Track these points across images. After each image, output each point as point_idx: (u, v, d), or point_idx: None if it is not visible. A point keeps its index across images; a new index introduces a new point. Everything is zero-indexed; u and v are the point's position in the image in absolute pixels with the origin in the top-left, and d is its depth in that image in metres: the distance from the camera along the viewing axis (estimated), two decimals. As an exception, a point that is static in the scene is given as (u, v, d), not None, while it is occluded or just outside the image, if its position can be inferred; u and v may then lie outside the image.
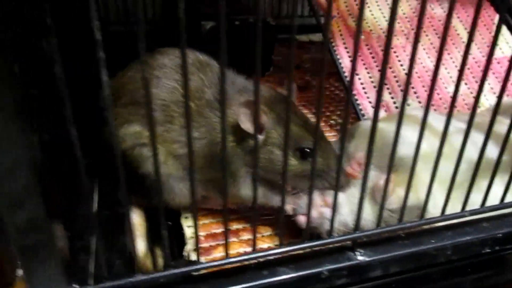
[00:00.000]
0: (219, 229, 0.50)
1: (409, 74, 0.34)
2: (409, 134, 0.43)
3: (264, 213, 0.49)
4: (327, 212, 0.42)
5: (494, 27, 0.77)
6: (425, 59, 0.72)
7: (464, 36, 0.75)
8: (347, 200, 0.46)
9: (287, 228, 0.50)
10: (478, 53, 0.74)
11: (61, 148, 0.44)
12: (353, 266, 0.38)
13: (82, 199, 0.49)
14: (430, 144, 0.44)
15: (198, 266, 0.34)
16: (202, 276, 0.37)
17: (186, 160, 0.46)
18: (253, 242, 0.36)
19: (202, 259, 0.46)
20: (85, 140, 0.30)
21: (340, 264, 0.38)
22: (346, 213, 0.44)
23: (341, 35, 0.72)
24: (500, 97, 0.39)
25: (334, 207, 0.37)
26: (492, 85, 0.71)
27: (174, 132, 0.46)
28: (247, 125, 0.42)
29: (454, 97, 0.37)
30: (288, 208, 0.46)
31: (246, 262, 0.37)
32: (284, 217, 0.46)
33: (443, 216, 0.40)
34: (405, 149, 0.46)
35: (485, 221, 0.43)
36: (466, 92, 0.70)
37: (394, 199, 0.44)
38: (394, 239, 0.41)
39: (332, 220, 0.37)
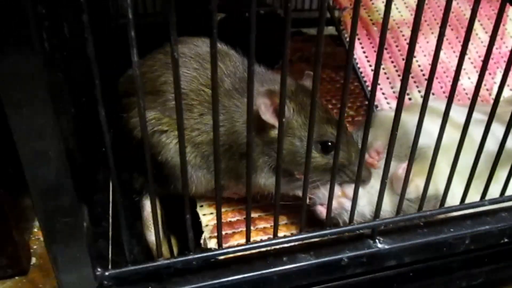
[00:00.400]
0: (235, 218, 0.50)
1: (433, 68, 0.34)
2: (426, 124, 0.43)
3: (281, 202, 0.49)
4: (346, 202, 0.42)
5: (508, 20, 0.77)
6: (439, 51, 0.72)
7: (478, 28, 0.75)
8: (365, 191, 0.45)
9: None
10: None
11: (85, 134, 0.45)
12: (372, 254, 0.38)
13: (100, 187, 0.50)
14: (448, 134, 0.44)
15: (221, 251, 0.35)
16: (223, 262, 0.37)
17: (205, 148, 0.47)
18: (275, 229, 0.36)
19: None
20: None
21: (360, 252, 0.38)
22: (363, 204, 0.43)
23: (354, 26, 0.72)
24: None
25: (355, 197, 0.37)
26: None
27: (193, 120, 0.46)
28: (267, 116, 0.42)
29: (477, 89, 0.37)
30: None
31: (267, 248, 0.38)
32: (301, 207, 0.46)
33: (462, 205, 0.40)
34: (423, 139, 0.46)
35: (504, 211, 0.43)
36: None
37: (413, 188, 0.44)
38: (412, 228, 0.41)
39: (352, 209, 0.37)
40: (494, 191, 0.43)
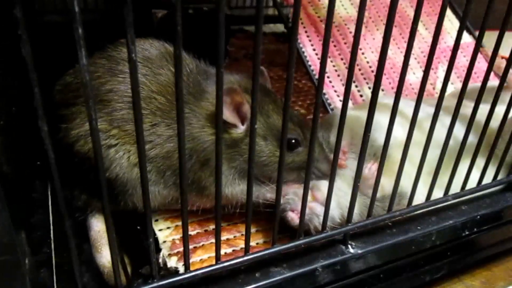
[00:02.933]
0: (195, 231, 0.46)
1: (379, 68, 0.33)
2: (387, 121, 0.42)
3: (243, 211, 0.46)
4: (317, 207, 0.40)
5: (445, 18, 0.80)
6: (384, 47, 0.73)
7: (419, 26, 0.77)
8: (333, 193, 0.44)
9: (268, 225, 0.47)
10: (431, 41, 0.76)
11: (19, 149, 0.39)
12: (345, 260, 0.37)
13: (38, 206, 0.44)
14: (406, 131, 0.44)
15: (189, 275, 0.31)
16: (188, 284, 0.34)
17: (160, 162, 0.42)
18: (246, 244, 0.33)
19: (180, 264, 0.43)
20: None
21: (334, 259, 0.37)
22: (332, 207, 0.42)
23: (302, 23, 0.71)
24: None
25: (329, 200, 0.35)
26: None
27: (145, 132, 0.42)
28: (227, 115, 0.39)
29: (422, 84, 0.36)
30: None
31: (237, 266, 0.35)
32: (268, 214, 0.44)
33: (428, 201, 0.40)
34: (383, 136, 0.46)
35: (463, 204, 0.44)
36: (424, 79, 0.72)
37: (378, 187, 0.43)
38: (382, 229, 0.40)
39: (326, 213, 0.36)
40: (447, 185, 0.43)
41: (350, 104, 0.64)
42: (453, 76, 0.73)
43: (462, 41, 0.77)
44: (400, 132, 0.49)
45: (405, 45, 0.76)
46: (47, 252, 0.40)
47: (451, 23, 0.78)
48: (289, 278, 0.35)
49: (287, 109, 0.30)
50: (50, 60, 0.48)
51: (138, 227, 0.48)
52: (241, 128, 0.41)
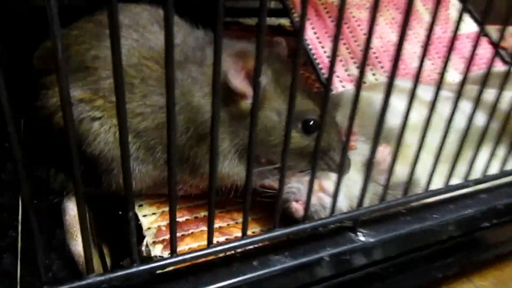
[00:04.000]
0: (184, 217, 0.41)
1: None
2: (398, 104, 0.38)
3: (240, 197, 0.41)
4: (325, 198, 0.36)
5: (450, 5, 0.77)
6: (389, 33, 0.69)
7: (424, 12, 0.73)
8: (343, 184, 0.39)
9: (265, 213, 0.43)
10: (438, 29, 0.73)
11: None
12: (356, 249, 0.32)
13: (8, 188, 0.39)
14: (419, 114, 0.40)
15: (174, 259, 0.26)
16: (175, 273, 0.29)
17: (150, 136, 0.37)
18: (244, 226, 0.28)
19: (166, 253, 0.38)
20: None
21: (342, 247, 0.32)
22: (340, 199, 0.37)
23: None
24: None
25: (338, 187, 0.31)
26: (454, 61, 0.69)
27: (134, 103, 0.37)
28: (237, 82, 0.33)
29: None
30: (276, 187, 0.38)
31: (231, 252, 0.30)
32: (265, 203, 0.39)
33: (448, 187, 0.36)
34: (394, 119, 0.41)
35: (483, 192, 0.40)
36: (430, 68, 0.68)
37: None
38: (395, 217, 0.36)
39: (334, 197, 0.31)
40: (464, 171, 0.39)
41: (349, 88, 0.59)
42: (462, 66, 0.69)
43: (470, 31, 0.74)
44: (413, 114, 0.45)
45: (410, 32, 0.72)
46: (13, 236, 0.35)
47: (458, 12, 0.75)
48: (291, 267, 0.30)
49: (295, 82, 0.25)
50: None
51: (120, 212, 0.43)
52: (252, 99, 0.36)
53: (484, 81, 0.35)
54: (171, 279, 0.29)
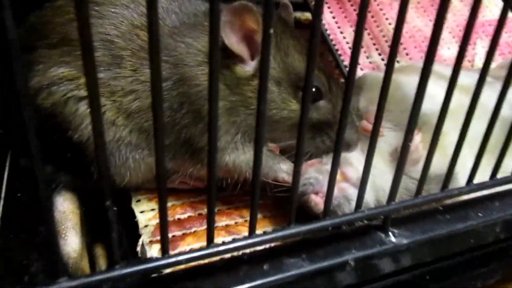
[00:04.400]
0: (186, 214, 0.36)
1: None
2: (430, 87, 0.33)
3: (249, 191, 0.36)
4: (349, 189, 0.31)
5: (481, -10, 0.71)
6: (414, 18, 0.63)
7: (453, -2, 0.68)
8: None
9: (277, 211, 0.38)
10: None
11: None
12: (386, 252, 0.27)
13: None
14: (456, 98, 0.34)
15: (168, 261, 0.21)
16: (172, 277, 0.24)
17: (144, 118, 0.33)
18: (251, 223, 0.23)
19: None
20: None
21: (370, 250, 0.27)
22: (368, 189, 0.32)
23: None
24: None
25: (367, 169, 0.25)
26: (486, 47, 0.63)
27: (124, 80, 0.33)
28: (233, 42, 0.29)
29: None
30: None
31: (237, 253, 0.25)
32: (278, 198, 0.34)
33: (494, 180, 0.30)
34: (428, 103, 0.36)
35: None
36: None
37: (421, 165, 0.33)
38: (432, 215, 0.30)
39: (361, 188, 0.26)
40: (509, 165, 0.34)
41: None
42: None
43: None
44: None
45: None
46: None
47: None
48: (309, 273, 0.25)
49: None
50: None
51: (115, 208, 0.39)
52: (250, 65, 0.31)
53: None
54: (167, 284, 0.24)
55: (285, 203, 0.29)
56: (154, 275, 0.26)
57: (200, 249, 0.22)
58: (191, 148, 0.32)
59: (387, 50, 0.59)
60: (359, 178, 0.33)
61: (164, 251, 0.22)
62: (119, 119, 0.34)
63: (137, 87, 0.32)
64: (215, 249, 0.22)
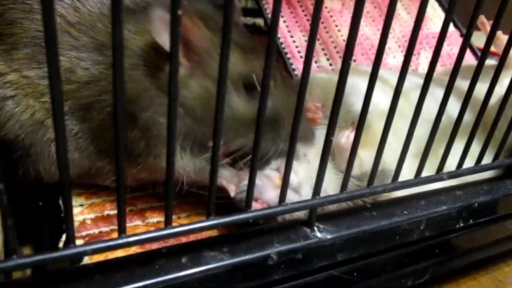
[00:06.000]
0: (115, 210, 0.35)
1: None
2: (365, 86, 0.33)
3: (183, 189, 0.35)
4: (290, 194, 0.30)
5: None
6: (363, 26, 0.65)
7: (400, 8, 0.70)
8: (308, 177, 0.34)
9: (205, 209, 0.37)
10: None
11: None
12: (310, 246, 0.27)
13: None
14: (389, 100, 0.35)
15: (68, 252, 0.20)
16: (82, 271, 0.23)
17: (72, 116, 0.32)
18: (167, 214, 0.23)
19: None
20: None
21: (294, 244, 0.26)
22: (307, 194, 0.31)
23: (272, -6, 0.62)
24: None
25: (289, 162, 0.25)
26: (429, 57, 0.66)
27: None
28: (165, 38, 0.27)
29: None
30: (232, 188, 0.33)
31: (156, 246, 0.24)
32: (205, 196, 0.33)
33: (419, 178, 0.31)
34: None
35: (458, 189, 0.35)
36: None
37: (356, 163, 0.34)
38: (358, 212, 0.30)
39: (285, 178, 0.26)
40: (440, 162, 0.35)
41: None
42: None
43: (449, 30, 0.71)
44: (382, 98, 0.40)
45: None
46: None
47: (434, 9, 0.72)
48: (230, 266, 0.24)
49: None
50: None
51: (41, 203, 0.37)
52: (186, 65, 0.30)
53: (455, 67, 0.31)
54: (77, 278, 0.23)
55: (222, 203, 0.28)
56: (69, 267, 0.25)
57: (111, 239, 0.21)
58: (128, 154, 0.31)
59: (336, 55, 0.60)
60: (299, 183, 0.33)
61: (68, 240, 0.20)
62: (48, 120, 0.32)
63: (66, 87, 0.31)
64: (126, 240, 0.21)
